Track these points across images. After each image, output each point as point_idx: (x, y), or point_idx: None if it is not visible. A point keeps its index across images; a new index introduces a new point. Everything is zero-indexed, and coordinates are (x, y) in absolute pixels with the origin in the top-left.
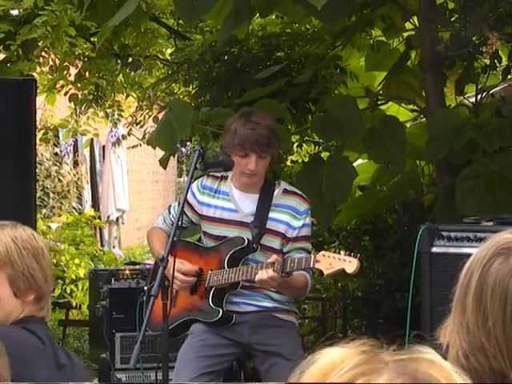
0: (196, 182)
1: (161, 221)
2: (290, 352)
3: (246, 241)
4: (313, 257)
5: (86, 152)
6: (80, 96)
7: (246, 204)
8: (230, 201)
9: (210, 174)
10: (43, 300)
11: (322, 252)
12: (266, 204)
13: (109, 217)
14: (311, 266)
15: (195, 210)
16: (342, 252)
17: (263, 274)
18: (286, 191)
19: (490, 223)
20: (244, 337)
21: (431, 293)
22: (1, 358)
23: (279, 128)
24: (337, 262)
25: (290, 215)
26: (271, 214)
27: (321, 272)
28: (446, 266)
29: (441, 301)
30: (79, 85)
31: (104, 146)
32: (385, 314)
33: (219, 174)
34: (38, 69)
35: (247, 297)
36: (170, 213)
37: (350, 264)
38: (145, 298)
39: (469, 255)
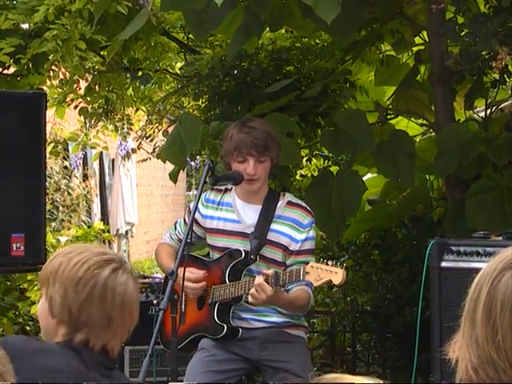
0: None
1: (168, 237)
2: (299, 368)
3: (244, 253)
4: (302, 269)
5: (96, 165)
6: (90, 109)
7: (248, 215)
8: (233, 212)
9: (214, 187)
10: (76, 328)
11: (311, 263)
12: (269, 215)
13: (118, 230)
14: (301, 278)
15: (200, 224)
16: (329, 262)
17: (253, 291)
18: (290, 203)
19: (500, 238)
20: (253, 353)
21: (440, 307)
22: (7, 365)
23: (289, 142)
24: (324, 273)
25: (293, 228)
26: (273, 226)
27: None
28: (455, 281)
29: (450, 315)
30: (89, 98)
31: (113, 160)
32: (394, 328)
33: (223, 187)
34: (48, 82)
35: (255, 312)
36: (175, 229)
37: (337, 275)
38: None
39: (478, 270)
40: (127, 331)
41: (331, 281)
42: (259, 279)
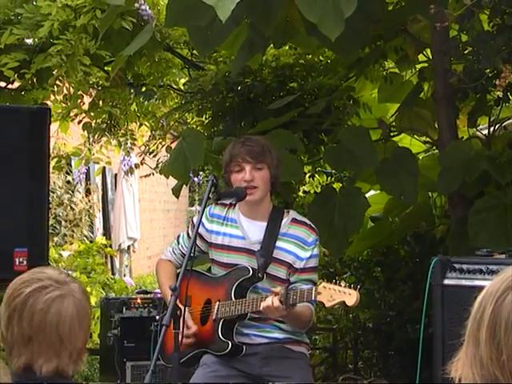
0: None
1: (169, 252)
2: None
3: (251, 271)
4: (314, 289)
5: (98, 180)
6: (93, 124)
7: (253, 232)
8: (237, 228)
9: (219, 202)
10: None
11: (323, 284)
12: (274, 233)
13: (120, 245)
14: (313, 298)
15: (204, 239)
16: (342, 283)
17: (269, 303)
18: (294, 220)
19: (503, 256)
20: (255, 368)
21: (443, 325)
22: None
23: (292, 158)
24: (337, 294)
25: (298, 246)
26: (278, 243)
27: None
28: (457, 299)
29: (453, 333)
30: (93, 113)
31: (116, 175)
32: (396, 345)
33: (227, 202)
34: (52, 97)
35: (257, 328)
36: (178, 243)
37: (350, 296)
38: (157, 327)
39: (481, 288)
40: (58, 351)
41: (344, 302)
42: (276, 302)
